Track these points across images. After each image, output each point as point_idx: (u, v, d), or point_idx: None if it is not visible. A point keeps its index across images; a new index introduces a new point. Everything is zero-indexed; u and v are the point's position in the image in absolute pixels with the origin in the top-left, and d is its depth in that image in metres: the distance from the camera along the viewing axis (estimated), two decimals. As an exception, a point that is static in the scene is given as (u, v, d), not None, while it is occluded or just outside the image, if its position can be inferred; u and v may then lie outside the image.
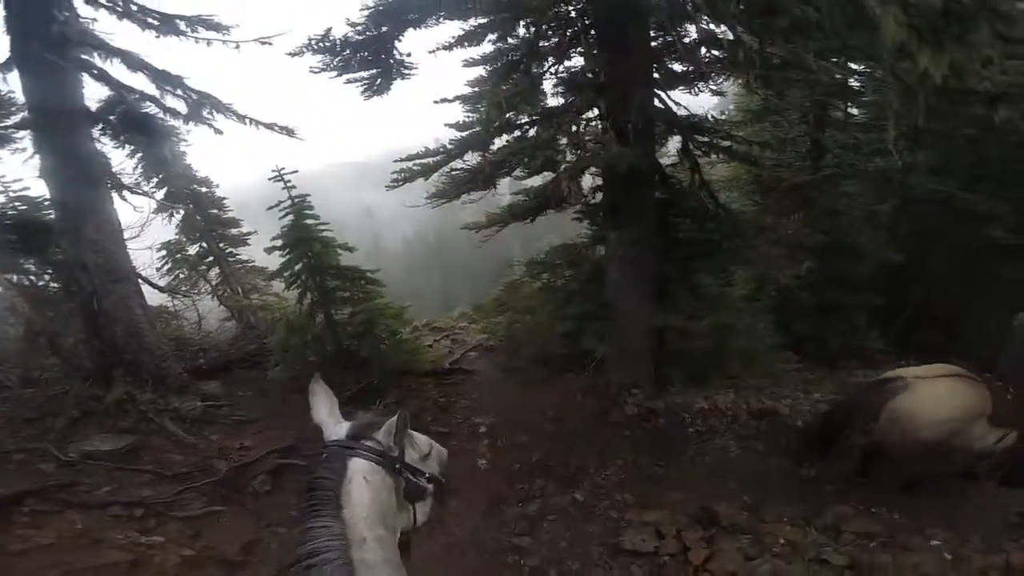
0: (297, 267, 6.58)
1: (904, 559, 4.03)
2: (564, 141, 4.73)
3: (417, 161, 5.58)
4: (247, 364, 7.73)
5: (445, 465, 1.92)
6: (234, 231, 9.69)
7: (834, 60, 5.80)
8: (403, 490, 1.63)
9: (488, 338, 8.40)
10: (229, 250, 9.75)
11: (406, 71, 5.66)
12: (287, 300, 7.54)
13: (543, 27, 5.06)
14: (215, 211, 9.57)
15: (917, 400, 4.61)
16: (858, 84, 8.32)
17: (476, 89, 5.56)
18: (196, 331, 9.15)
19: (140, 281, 6.92)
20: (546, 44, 5.35)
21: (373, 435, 1.60)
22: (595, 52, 5.16)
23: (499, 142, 5.54)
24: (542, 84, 5.53)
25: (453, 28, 5.29)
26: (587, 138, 4.77)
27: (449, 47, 5.22)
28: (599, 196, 6.38)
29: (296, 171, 6.59)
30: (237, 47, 6.23)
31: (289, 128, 6.45)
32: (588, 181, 6.42)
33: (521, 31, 5.11)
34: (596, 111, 5.24)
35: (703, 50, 5.67)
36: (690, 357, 6.69)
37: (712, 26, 5.57)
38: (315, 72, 5.49)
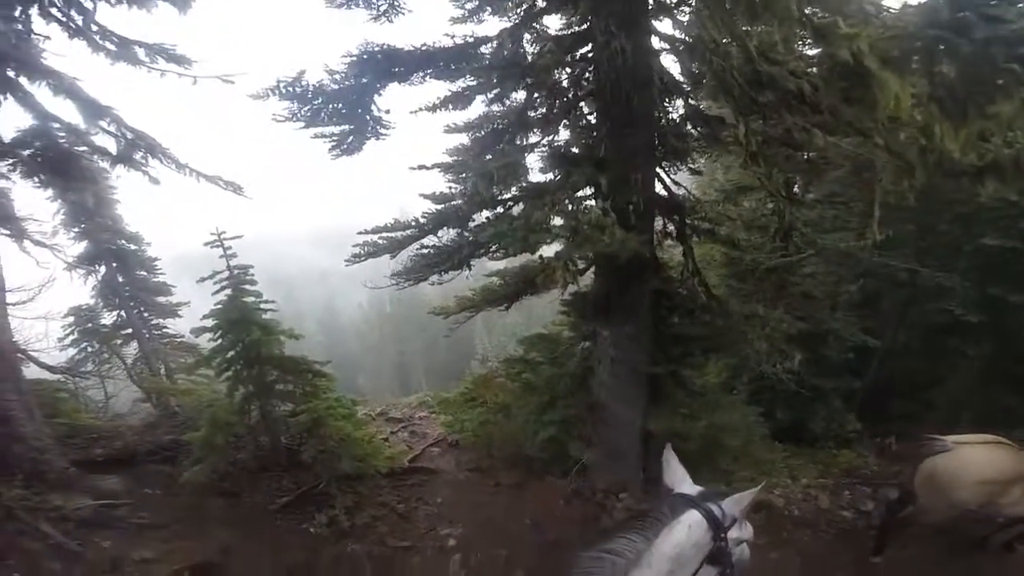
0: (230, 354, 5.37)
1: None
2: (559, 223, 4.03)
3: (384, 234, 4.71)
4: (159, 457, 6.23)
5: (743, 564, 1.95)
6: (162, 299, 8.12)
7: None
8: (709, 554, 1.77)
9: (451, 431, 7.30)
10: (155, 321, 8.26)
11: (383, 130, 4.85)
12: (219, 386, 6.26)
13: (535, 95, 4.49)
14: (142, 273, 7.97)
15: (958, 461, 4.64)
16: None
17: (457, 158, 4.82)
18: (100, 414, 7.46)
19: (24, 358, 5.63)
20: (534, 114, 4.76)
21: (718, 501, 1.83)
22: (593, 123, 4.60)
23: (478, 218, 4.80)
24: (526, 157, 4.92)
25: (439, 88, 4.63)
26: (585, 220, 4.11)
27: (433, 108, 4.51)
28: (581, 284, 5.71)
29: (240, 236, 5.47)
30: (194, 81, 5.42)
31: (236, 184, 5.51)
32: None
33: (515, 95, 4.51)
34: (591, 189, 4.61)
35: (688, 126, 5.31)
36: (683, 456, 5.91)
37: (700, 103, 5.24)
38: (278, 120, 4.63)
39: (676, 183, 5.40)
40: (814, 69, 4.11)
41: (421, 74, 4.60)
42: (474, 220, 4.59)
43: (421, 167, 4.61)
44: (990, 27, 2.96)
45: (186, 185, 5.97)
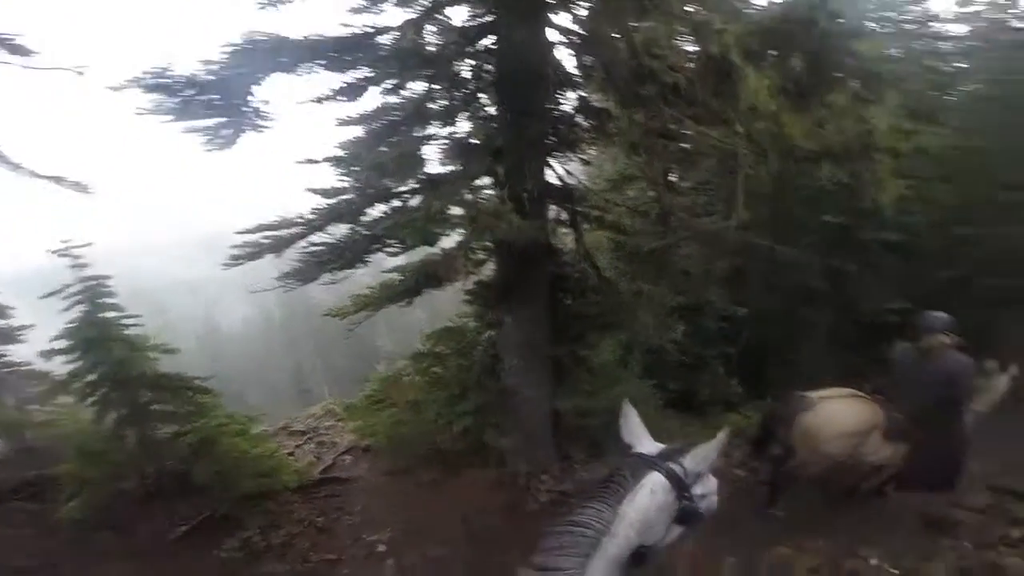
0: (91, 377, 4.68)
1: (864, 584, 3.90)
2: (458, 213, 3.96)
3: (268, 233, 4.34)
4: (23, 495, 5.45)
5: (711, 513, 1.90)
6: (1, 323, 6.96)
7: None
8: (674, 513, 1.71)
9: (362, 437, 6.99)
10: (-8, 348, 6.96)
11: (262, 122, 4.43)
12: (85, 413, 5.46)
13: (435, 86, 4.37)
14: (-28, 295, 6.71)
15: (820, 416, 4.87)
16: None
17: (350, 151, 4.52)
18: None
19: None
20: (434, 106, 4.64)
21: (679, 460, 1.73)
22: (491, 114, 4.58)
23: (374, 213, 4.57)
24: (421, 148, 4.77)
25: (332, 79, 4.34)
26: (483, 209, 4.09)
27: (322, 100, 4.21)
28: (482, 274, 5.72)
29: (90, 243, 4.79)
30: (35, 72, 4.64)
31: (80, 184, 4.78)
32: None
33: (413, 86, 4.34)
34: (489, 179, 4.61)
35: (579, 118, 5.51)
36: (589, 432, 6.19)
37: (589, 94, 5.45)
38: (142, 114, 4.08)
39: (568, 172, 5.57)
40: (691, 64, 4.44)
41: (310, 64, 4.29)
42: (366, 215, 4.35)
43: (310, 161, 4.27)
44: (830, 22, 3.32)
45: (30, 196, 5.14)
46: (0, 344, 6.91)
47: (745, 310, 9.62)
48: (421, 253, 5.11)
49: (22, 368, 7.00)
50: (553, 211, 6.02)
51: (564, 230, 6.23)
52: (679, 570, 3.96)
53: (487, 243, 4.80)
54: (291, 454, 7.08)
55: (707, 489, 1.84)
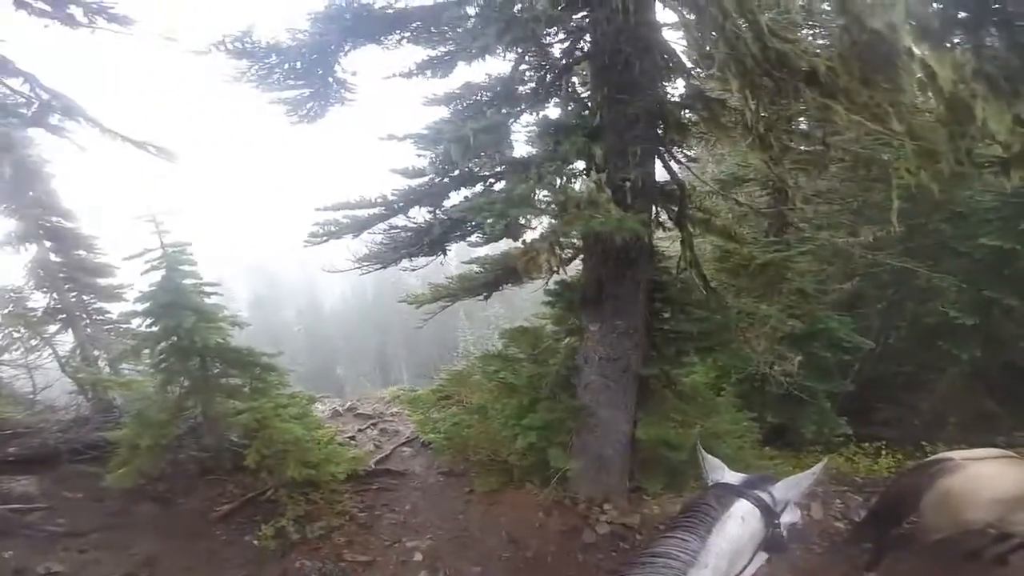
0: (162, 344, 4.60)
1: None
2: (547, 198, 3.40)
3: (347, 212, 4.02)
4: (86, 457, 5.37)
5: (800, 542, 1.93)
6: (103, 281, 7.24)
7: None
8: (761, 542, 1.68)
9: (422, 431, 6.64)
10: (97, 304, 7.39)
11: (348, 95, 4.24)
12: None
13: (523, 61, 3.84)
14: (80, 253, 7.06)
15: (969, 480, 4.37)
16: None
17: (431, 129, 4.11)
18: (24, 407, 6.41)
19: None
20: (522, 88, 4.11)
21: (768, 487, 1.73)
22: (587, 93, 3.97)
23: (457, 197, 4.13)
24: (510, 124, 4.22)
25: (417, 52, 4.00)
26: (575, 195, 3.48)
27: (409, 74, 3.85)
28: (567, 272, 5.09)
29: (176, 211, 4.71)
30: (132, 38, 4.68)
31: (167, 150, 4.76)
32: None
33: (501, 64, 3.85)
34: (583, 164, 3.97)
35: (689, 109, 4.72)
36: (670, 464, 5.37)
37: (701, 83, 4.67)
38: (227, 81, 3.99)
39: (680, 162, 4.79)
40: (822, 51, 3.61)
41: (395, 36, 3.95)
42: (448, 198, 3.91)
43: (391, 137, 3.89)
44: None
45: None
46: (102, 301, 7.27)
47: (871, 343, 8.20)
48: (505, 246, 4.61)
49: (121, 326, 7.35)
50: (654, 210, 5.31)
51: (662, 233, 5.45)
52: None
53: (576, 238, 4.18)
54: (352, 438, 6.91)
55: (794, 518, 1.81)
